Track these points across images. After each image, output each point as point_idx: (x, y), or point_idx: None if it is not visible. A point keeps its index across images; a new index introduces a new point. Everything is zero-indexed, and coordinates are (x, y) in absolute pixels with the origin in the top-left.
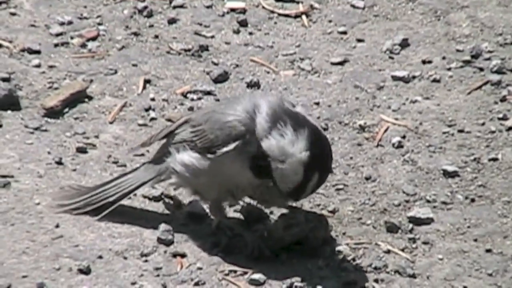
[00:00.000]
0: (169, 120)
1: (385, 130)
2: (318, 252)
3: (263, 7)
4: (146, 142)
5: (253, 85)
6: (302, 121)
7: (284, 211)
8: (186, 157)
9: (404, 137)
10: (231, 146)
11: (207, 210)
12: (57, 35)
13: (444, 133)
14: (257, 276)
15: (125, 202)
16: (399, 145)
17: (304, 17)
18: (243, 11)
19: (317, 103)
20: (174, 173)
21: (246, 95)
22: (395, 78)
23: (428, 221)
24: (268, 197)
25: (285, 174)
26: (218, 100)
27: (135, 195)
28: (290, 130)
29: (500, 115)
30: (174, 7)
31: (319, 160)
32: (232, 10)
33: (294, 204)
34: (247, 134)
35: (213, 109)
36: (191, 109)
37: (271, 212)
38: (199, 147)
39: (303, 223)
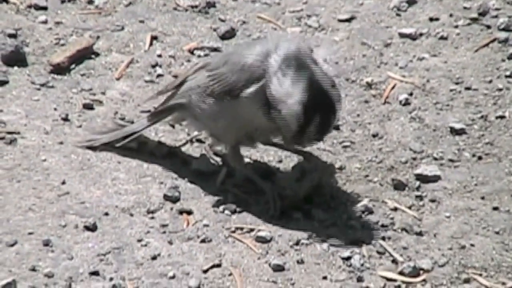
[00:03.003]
0: (175, 76)
1: (392, 87)
2: (328, 203)
3: None
4: (162, 90)
5: None
6: (307, 67)
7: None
8: (202, 102)
9: (411, 94)
10: (253, 88)
11: (220, 160)
12: None
13: (451, 90)
14: (264, 233)
15: (132, 155)
16: (406, 102)
17: None
18: None
19: (324, 60)
20: (190, 116)
21: (269, 36)
22: (402, 35)
23: (435, 178)
24: (283, 139)
25: (284, 117)
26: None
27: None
28: (291, 75)
29: (508, 73)
30: None
31: (315, 104)
32: None
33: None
34: (266, 75)
35: (231, 52)
36: None
37: (278, 169)
38: (217, 91)
39: (313, 171)
